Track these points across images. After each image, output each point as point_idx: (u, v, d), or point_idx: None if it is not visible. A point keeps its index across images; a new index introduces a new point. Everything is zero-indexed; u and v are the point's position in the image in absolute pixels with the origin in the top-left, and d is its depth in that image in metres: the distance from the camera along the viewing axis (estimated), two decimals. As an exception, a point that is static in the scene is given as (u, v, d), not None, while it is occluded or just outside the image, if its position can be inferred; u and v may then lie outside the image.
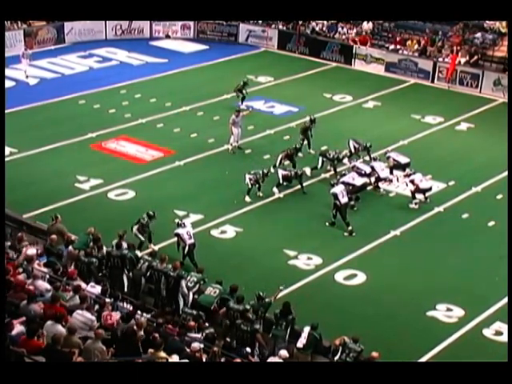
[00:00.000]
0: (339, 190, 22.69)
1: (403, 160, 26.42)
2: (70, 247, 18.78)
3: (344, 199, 22.56)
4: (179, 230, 20.44)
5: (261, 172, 24.46)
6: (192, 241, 20.26)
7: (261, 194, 24.44)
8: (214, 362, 13.91)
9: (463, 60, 36.65)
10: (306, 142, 27.92)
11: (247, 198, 24.37)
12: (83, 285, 16.26)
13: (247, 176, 24.26)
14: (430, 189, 25.09)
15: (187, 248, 20.17)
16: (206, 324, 16.21)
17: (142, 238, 20.71)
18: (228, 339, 16.07)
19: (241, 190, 24.85)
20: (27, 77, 34.42)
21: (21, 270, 16.25)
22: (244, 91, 31.44)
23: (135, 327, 14.56)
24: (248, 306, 16.71)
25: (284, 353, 14.94)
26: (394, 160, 26.26)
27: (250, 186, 24.26)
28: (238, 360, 13.93)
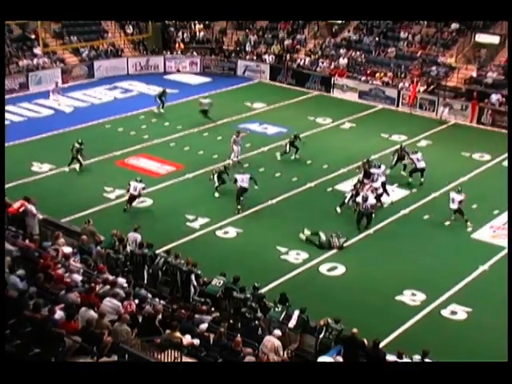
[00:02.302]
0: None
1: (419, 165, 26.66)
2: (99, 247, 18.79)
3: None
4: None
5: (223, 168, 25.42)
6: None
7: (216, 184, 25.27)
8: (219, 343, 13.92)
9: (422, 89, 36.73)
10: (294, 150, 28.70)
11: (216, 194, 25.12)
12: (111, 277, 16.24)
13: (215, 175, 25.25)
14: (424, 169, 26.29)
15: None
16: (213, 309, 16.20)
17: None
18: (231, 321, 16.06)
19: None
20: (59, 104, 34.57)
21: (59, 265, 16.22)
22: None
23: (154, 312, 14.62)
24: (248, 295, 16.71)
25: (278, 332, 14.89)
26: (413, 160, 26.66)
27: (216, 183, 25.11)
28: (239, 338, 13.94)
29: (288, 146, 28.58)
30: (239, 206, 23.68)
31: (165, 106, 34.42)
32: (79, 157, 26.71)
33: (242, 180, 23.75)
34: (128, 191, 23.78)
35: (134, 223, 22.23)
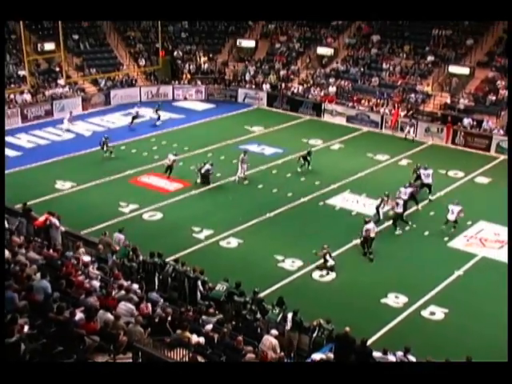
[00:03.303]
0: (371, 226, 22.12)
1: (426, 180, 26.70)
2: (114, 256, 18.77)
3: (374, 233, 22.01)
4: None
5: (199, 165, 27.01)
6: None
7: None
8: (223, 341, 13.88)
9: (403, 113, 36.80)
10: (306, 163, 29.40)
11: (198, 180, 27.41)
12: (125, 283, 16.21)
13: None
14: (430, 185, 26.59)
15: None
16: (217, 312, 16.15)
17: None
18: (234, 322, 16.01)
19: (242, 211, 24.93)
20: (68, 130, 34.57)
21: (80, 272, 16.20)
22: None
23: (164, 314, 14.59)
24: (248, 299, 16.66)
25: (274, 331, 14.79)
26: (420, 175, 26.80)
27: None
28: (241, 338, 13.88)
29: (301, 159, 29.26)
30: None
31: (161, 118, 36.08)
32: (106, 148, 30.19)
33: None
34: (168, 162, 27.95)
35: (146, 235, 22.38)
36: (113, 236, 19.69)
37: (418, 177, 27.27)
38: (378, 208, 24.27)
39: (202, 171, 27.57)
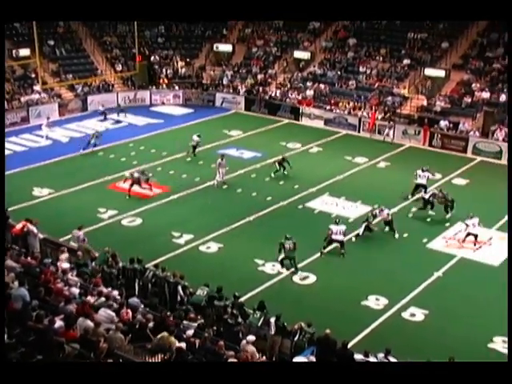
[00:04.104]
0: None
1: (420, 180, 27.03)
2: (94, 263, 18.63)
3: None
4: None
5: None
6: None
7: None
8: (204, 346, 13.80)
9: (380, 116, 37.00)
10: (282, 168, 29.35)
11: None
12: (105, 290, 16.07)
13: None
14: (421, 185, 26.90)
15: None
16: (198, 317, 16.06)
17: None
18: (215, 328, 15.94)
19: (221, 215, 24.87)
20: (47, 137, 34.16)
21: (59, 280, 16.03)
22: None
23: (145, 320, 14.47)
24: (228, 302, 16.60)
25: (251, 337, 14.63)
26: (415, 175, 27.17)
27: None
28: (222, 343, 13.81)
29: (276, 165, 29.24)
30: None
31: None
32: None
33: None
34: (193, 143, 31.09)
35: (125, 240, 22.21)
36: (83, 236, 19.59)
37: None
38: (367, 222, 23.50)
39: (194, 143, 31.38)
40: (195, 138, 31.75)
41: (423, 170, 27.20)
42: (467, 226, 22.92)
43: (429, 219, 25.04)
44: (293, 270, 21.02)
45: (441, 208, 25.25)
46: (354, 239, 23.06)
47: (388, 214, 23.74)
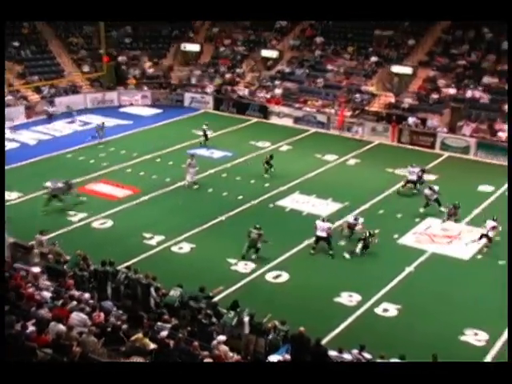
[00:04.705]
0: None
1: (410, 177, 27.36)
2: (65, 266, 18.42)
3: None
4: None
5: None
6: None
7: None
8: (179, 347, 13.70)
9: (349, 114, 37.19)
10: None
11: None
12: (77, 293, 15.90)
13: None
14: (411, 181, 27.28)
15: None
16: (172, 318, 15.96)
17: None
18: (189, 328, 15.85)
19: (192, 215, 24.77)
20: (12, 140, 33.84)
21: (30, 284, 15.81)
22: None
23: (119, 322, 14.35)
24: (203, 305, 16.53)
25: (222, 337, 14.53)
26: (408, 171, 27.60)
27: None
28: (196, 343, 13.74)
29: (265, 165, 29.22)
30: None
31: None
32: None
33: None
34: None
35: (96, 243, 21.99)
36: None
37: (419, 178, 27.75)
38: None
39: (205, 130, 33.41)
40: (204, 126, 33.54)
41: (412, 166, 27.56)
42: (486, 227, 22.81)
43: (399, 215, 25.21)
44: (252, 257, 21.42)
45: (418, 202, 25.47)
46: (347, 256, 22.07)
47: (362, 225, 22.89)
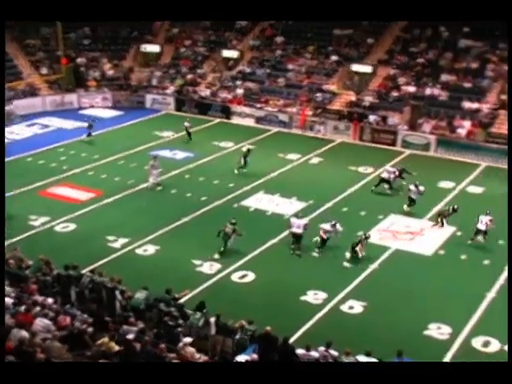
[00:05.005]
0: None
1: (384, 175, 27.60)
2: (27, 271, 18.11)
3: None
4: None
5: None
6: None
7: None
8: (145, 350, 13.60)
9: (310, 113, 37.35)
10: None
11: None
12: (40, 298, 15.64)
13: None
14: (383, 180, 27.33)
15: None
16: (139, 322, 15.81)
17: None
18: (156, 330, 15.73)
19: (156, 217, 24.60)
20: None
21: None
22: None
23: (84, 326, 14.17)
24: (172, 309, 16.41)
25: (187, 339, 14.45)
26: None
27: None
28: (163, 345, 13.64)
29: (242, 159, 29.30)
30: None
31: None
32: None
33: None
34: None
35: (59, 247, 21.70)
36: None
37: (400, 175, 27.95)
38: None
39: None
40: (186, 123, 34.39)
41: (391, 166, 27.96)
42: (478, 220, 22.85)
43: (363, 213, 25.39)
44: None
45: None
46: (347, 264, 21.73)
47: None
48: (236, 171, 29.40)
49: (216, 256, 21.65)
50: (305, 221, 22.48)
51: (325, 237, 22.10)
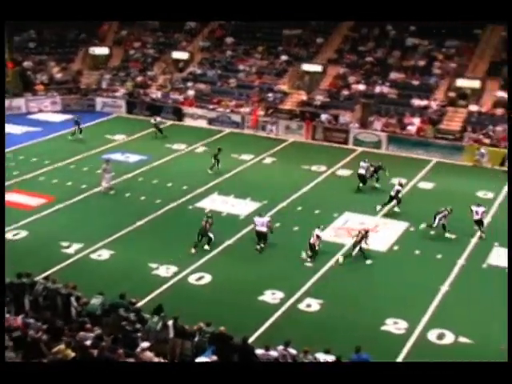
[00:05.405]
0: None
1: (360, 171, 27.75)
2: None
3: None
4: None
5: None
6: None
7: None
8: (102, 356, 13.44)
9: (262, 113, 37.45)
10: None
11: None
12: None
13: None
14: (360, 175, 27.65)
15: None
16: (95, 328, 15.61)
17: None
18: (113, 336, 15.55)
19: (110, 221, 24.34)
20: None
21: None
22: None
23: (39, 333, 13.95)
24: (132, 316, 16.25)
25: (145, 344, 14.33)
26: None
27: None
28: (121, 351, 13.50)
29: (212, 159, 29.51)
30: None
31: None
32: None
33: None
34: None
35: (11, 255, 21.16)
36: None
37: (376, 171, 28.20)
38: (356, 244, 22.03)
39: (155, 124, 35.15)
40: (152, 120, 35.50)
41: (365, 161, 28.06)
42: (472, 211, 23.38)
43: (317, 211, 25.57)
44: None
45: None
46: (340, 260, 21.72)
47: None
48: (209, 171, 29.54)
49: (192, 251, 21.96)
50: (267, 218, 22.65)
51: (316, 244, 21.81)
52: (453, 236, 23.46)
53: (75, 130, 35.02)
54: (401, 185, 25.68)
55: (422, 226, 23.63)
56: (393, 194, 25.35)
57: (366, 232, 22.00)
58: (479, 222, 23.50)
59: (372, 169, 28.05)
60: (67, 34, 45.57)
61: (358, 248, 21.74)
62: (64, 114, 39.89)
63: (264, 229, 22.24)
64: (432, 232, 23.27)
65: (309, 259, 21.63)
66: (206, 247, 22.16)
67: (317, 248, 21.68)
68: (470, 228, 23.53)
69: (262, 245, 22.28)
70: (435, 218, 23.27)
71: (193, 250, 21.93)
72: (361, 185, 27.73)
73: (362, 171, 27.79)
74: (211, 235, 22.20)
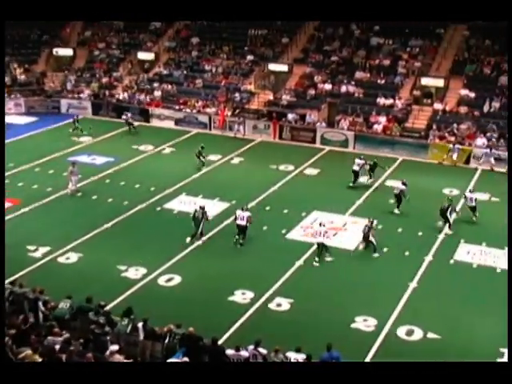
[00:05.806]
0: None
1: (355, 168, 28.01)
2: None
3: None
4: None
5: None
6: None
7: None
8: (71, 361, 13.27)
9: (229, 113, 37.41)
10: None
11: None
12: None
13: None
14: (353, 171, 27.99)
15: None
16: (63, 332, 15.42)
17: None
18: (82, 340, 15.37)
19: (78, 223, 24.08)
20: None
21: None
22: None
23: (6, 339, 13.70)
24: (102, 319, 16.08)
25: (114, 347, 14.22)
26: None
27: None
28: (90, 355, 13.35)
29: (197, 158, 30.29)
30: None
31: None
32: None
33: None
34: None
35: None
36: None
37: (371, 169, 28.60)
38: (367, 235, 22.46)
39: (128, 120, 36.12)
40: (124, 116, 36.69)
41: (360, 158, 28.24)
42: (465, 198, 24.12)
43: (286, 211, 25.63)
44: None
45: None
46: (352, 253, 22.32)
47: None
48: (202, 169, 30.00)
49: (188, 240, 22.35)
50: (248, 213, 22.74)
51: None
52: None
53: (75, 126, 35.97)
54: (404, 184, 25.48)
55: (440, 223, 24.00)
56: (396, 192, 25.51)
57: (371, 223, 22.28)
58: (473, 209, 24.37)
59: (367, 167, 28.28)
60: (30, 34, 44.99)
61: (370, 238, 22.07)
62: (28, 117, 39.43)
63: (243, 222, 22.49)
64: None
65: (316, 258, 21.74)
66: (200, 242, 22.48)
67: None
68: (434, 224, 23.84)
69: (241, 240, 22.51)
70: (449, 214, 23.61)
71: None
72: (353, 181, 27.92)
73: (356, 168, 27.99)
74: (201, 229, 22.54)
